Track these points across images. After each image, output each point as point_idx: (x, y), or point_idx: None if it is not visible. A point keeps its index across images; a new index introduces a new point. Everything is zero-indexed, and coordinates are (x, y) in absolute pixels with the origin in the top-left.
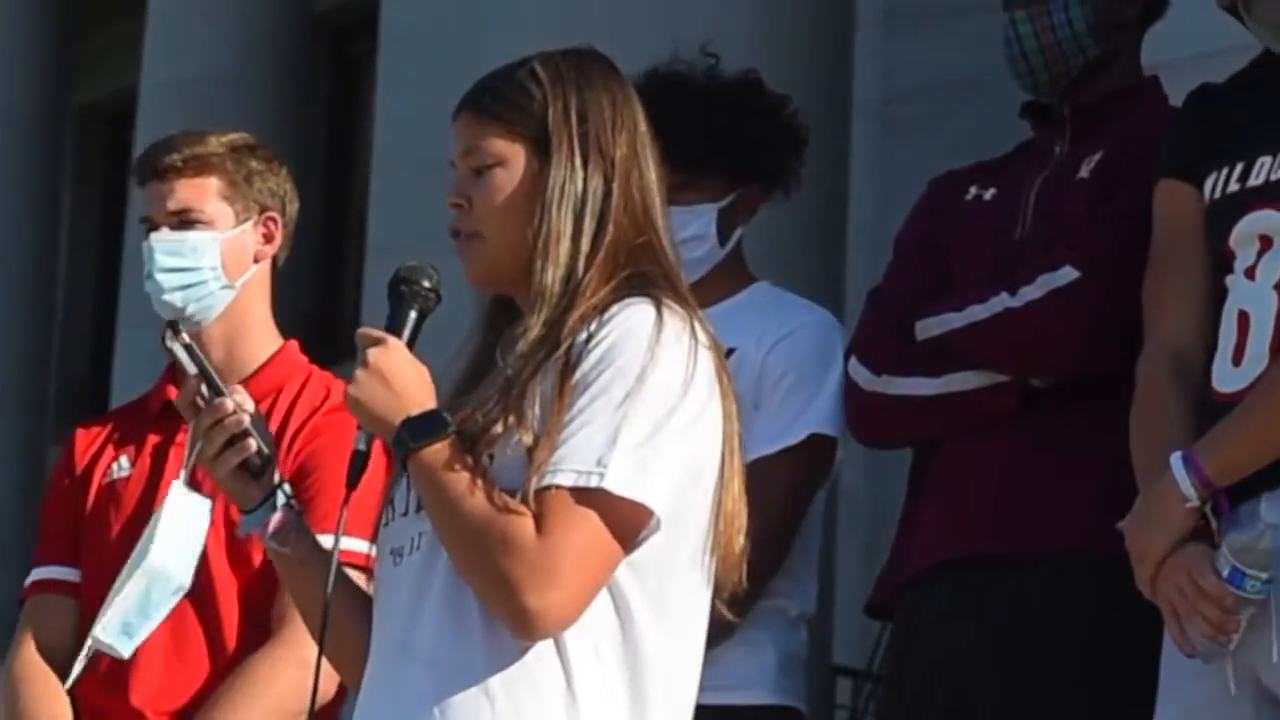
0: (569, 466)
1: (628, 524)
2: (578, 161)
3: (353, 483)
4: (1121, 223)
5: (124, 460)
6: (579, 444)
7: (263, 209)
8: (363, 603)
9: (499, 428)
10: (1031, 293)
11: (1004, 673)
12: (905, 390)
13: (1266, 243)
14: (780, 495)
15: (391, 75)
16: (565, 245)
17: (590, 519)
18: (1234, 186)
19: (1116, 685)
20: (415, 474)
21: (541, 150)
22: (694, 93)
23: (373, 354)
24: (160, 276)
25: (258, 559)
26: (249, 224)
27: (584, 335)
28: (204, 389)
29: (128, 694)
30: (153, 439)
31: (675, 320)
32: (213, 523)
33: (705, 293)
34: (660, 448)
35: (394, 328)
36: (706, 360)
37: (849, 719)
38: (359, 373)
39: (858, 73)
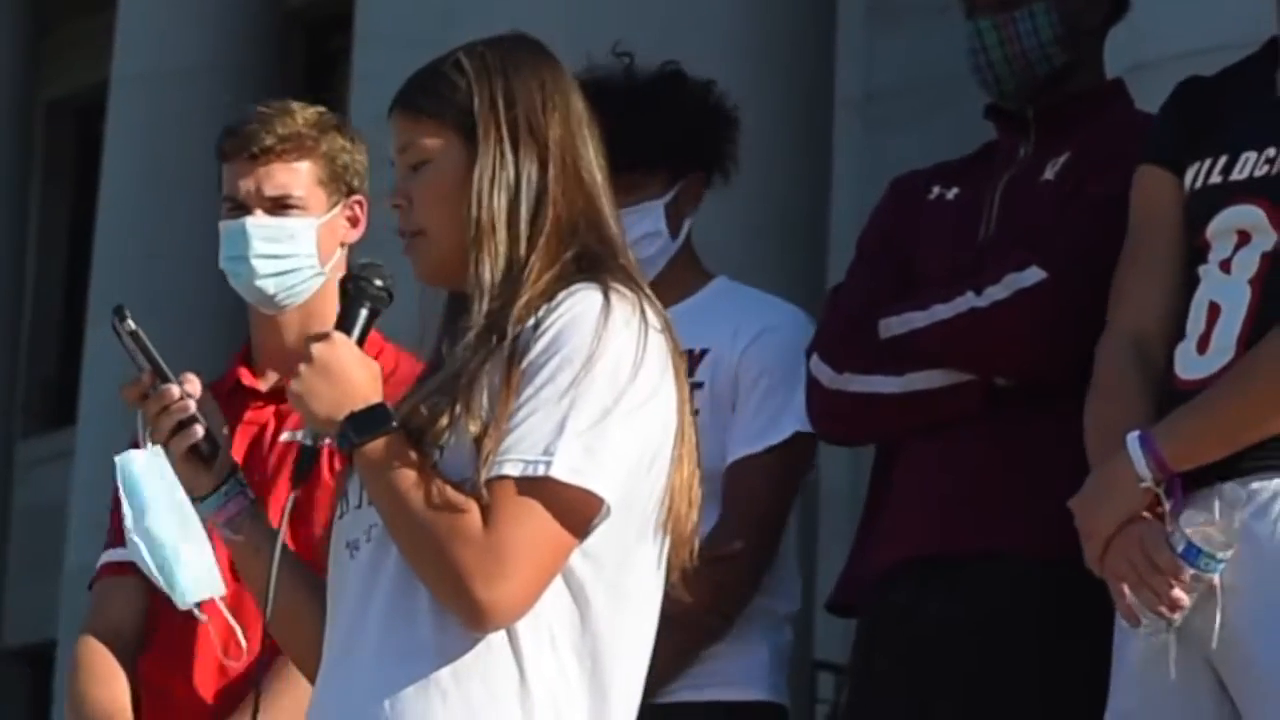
0: (516, 456)
1: (577, 512)
2: (507, 147)
3: (299, 477)
4: (1087, 224)
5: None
6: (526, 433)
7: (350, 191)
8: (324, 594)
9: (446, 419)
10: (997, 293)
11: (966, 670)
12: (868, 389)
13: (1244, 237)
14: (769, 493)
15: (365, 73)
16: (501, 233)
17: (537, 509)
18: (1215, 179)
19: (1079, 682)
20: (360, 469)
21: (470, 140)
22: (618, 93)
23: (317, 348)
24: (256, 262)
25: (319, 531)
26: (338, 209)
27: (531, 322)
28: (144, 373)
29: (190, 674)
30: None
31: (624, 304)
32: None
33: (664, 291)
34: (609, 433)
35: (344, 326)
36: (657, 342)
37: (830, 714)
38: (302, 367)
39: (840, 69)
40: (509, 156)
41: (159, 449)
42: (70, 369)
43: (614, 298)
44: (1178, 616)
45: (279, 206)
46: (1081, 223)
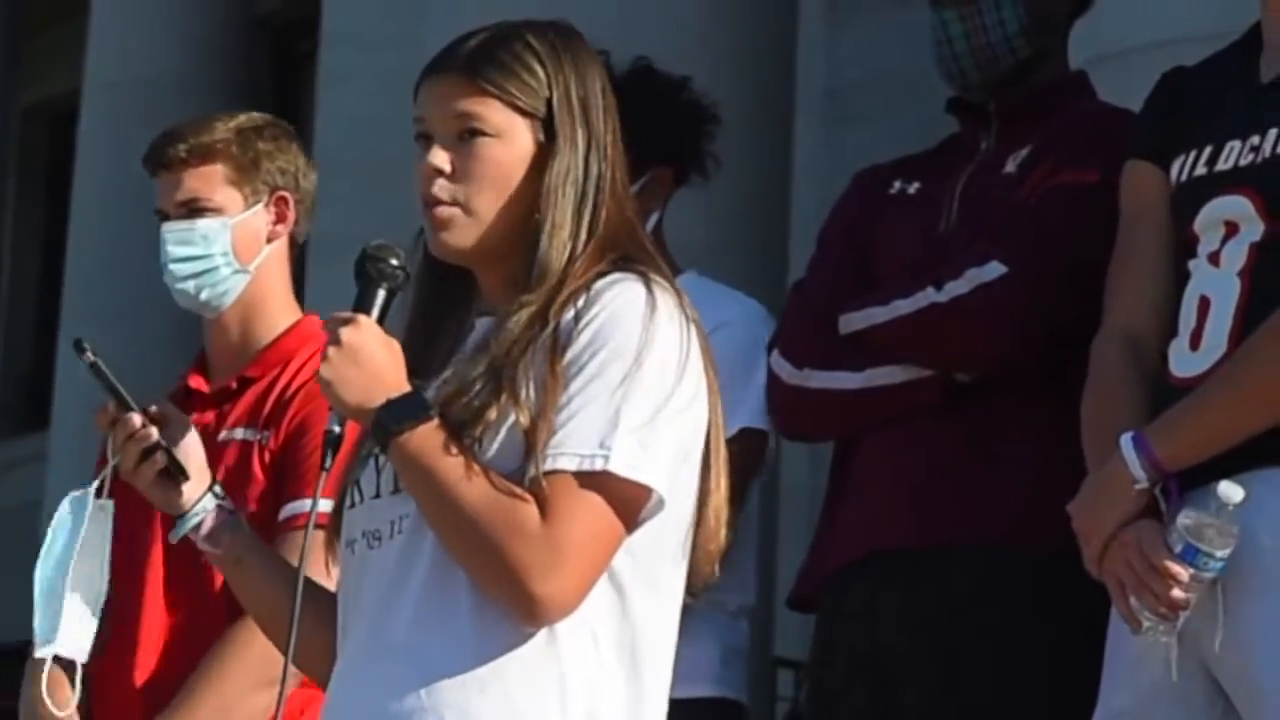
0: (572, 450)
1: (630, 505)
2: (581, 145)
3: (326, 463)
4: (1049, 217)
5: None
6: (579, 426)
7: (273, 189)
8: (323, 598)
9: (494, 411)
10: (958, 288)
11: (928, 665)
12: (828, 384)
13: (1232, 229)
14: None
15: (333, 75)
16: (568, 230)
17: (595, 502)
18: (1201, 170)
19: (1041, 677)
20: (399, 459)
21: (545, 130)
22: None
23: (346, 332)
24: (173, 266)
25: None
26: (259, 206)
27: (571, 314)
28: (109, 402)
29: (131, 674)
30: None
31: (667, 299)
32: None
33: None
34: (659, 429)
35: (363, 308)
36: (697, 340)
37: (790, 710)
38: (330, 350)
39: (801, 65)
40: (580, 155)
41: (105, 504)
42: (45, 372)
43: (657, 290)
44: (1179, 618)
45: (191, 212)
46: (1043, 216)
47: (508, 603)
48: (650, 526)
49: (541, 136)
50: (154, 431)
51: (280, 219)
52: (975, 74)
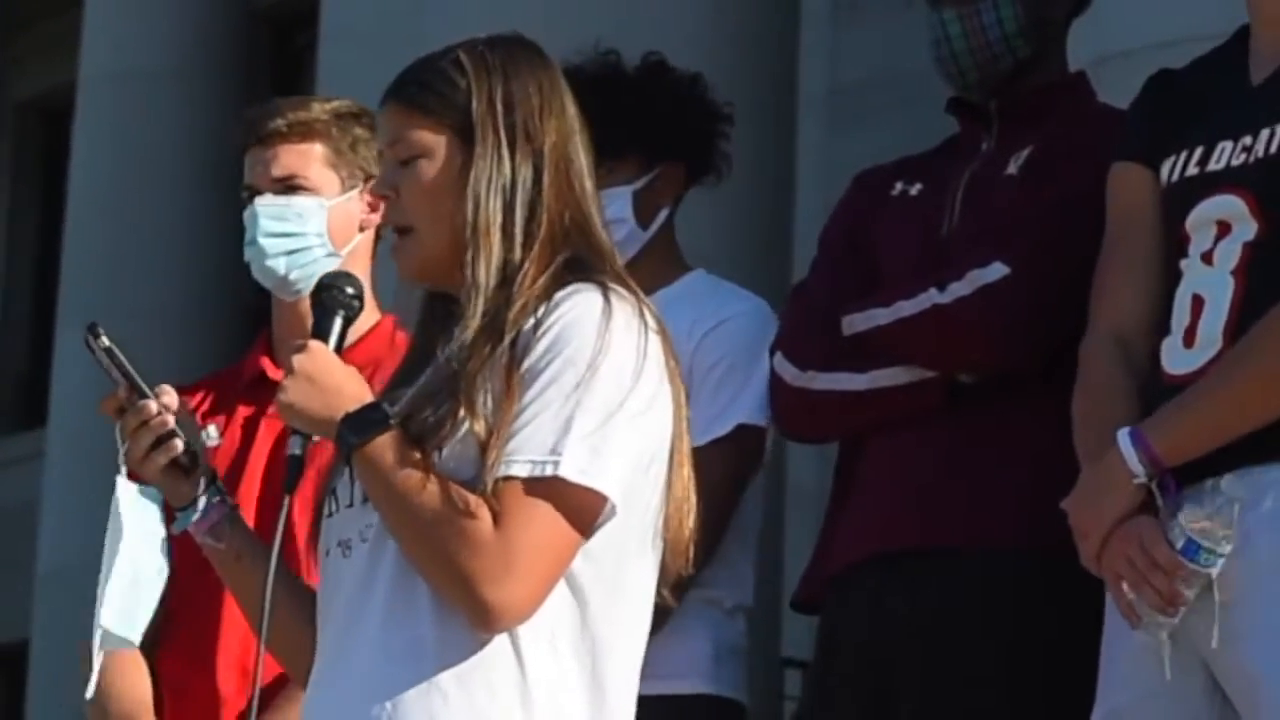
0: (523, 457)
1: (584, 512)
2: (505, 150)
3: (289, 487)
4: (1050, 218)
5: (212, 429)
6: (532, 434)
7: (368, 177)
8: (307, 598)
9: (450, 421)
10: (960, 289)
11: (929, 667)
12: (831, 386)
13: (1224, 228)
14: (710, 487)
15: (332, 68)
16: (496, 235)
17: (546, 509)
18: (1193, 170)
19: (1040, 679)
20: (361, 470)
21: (467, 140)
22: (588, 79)
23: (297, 359)
24: (264, 241)
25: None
26: (354, 192)
27: (530, 323)
28: (120, 388)
29: (213, 670)
30: (243, 410)
31: (624, 307)
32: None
33: (637, 280)
34: (613, 435)
35: (320, 335)
36: (656, 346)
37: (798, 710)
38: (285, 379)
39: (804, 64)
40: (506, 160)
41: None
42: (41, 370)
43: (614, 299)
44: (1179, 613)
45: (287, 188)
46: (1045, 217)
47: (463, 609)
48: (608, 530)
49: (465, 147)
50: (170, 419)
51: (374, 209)
52: (974, 74)
